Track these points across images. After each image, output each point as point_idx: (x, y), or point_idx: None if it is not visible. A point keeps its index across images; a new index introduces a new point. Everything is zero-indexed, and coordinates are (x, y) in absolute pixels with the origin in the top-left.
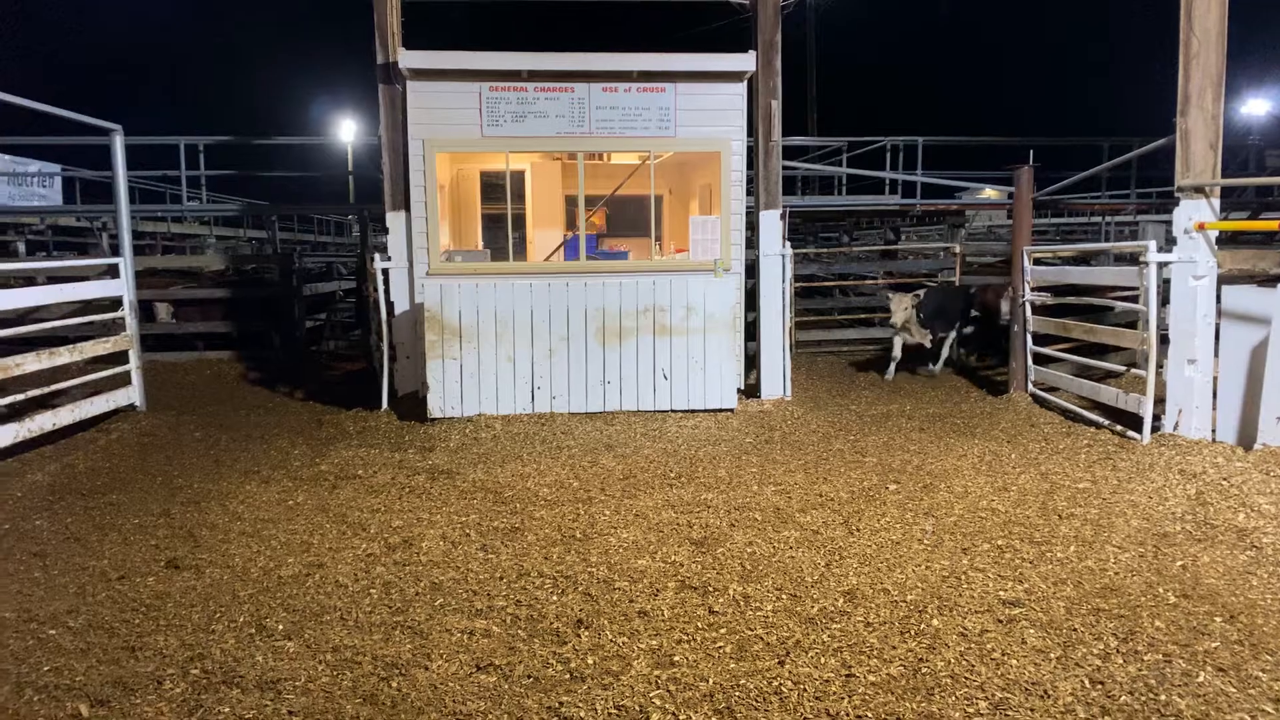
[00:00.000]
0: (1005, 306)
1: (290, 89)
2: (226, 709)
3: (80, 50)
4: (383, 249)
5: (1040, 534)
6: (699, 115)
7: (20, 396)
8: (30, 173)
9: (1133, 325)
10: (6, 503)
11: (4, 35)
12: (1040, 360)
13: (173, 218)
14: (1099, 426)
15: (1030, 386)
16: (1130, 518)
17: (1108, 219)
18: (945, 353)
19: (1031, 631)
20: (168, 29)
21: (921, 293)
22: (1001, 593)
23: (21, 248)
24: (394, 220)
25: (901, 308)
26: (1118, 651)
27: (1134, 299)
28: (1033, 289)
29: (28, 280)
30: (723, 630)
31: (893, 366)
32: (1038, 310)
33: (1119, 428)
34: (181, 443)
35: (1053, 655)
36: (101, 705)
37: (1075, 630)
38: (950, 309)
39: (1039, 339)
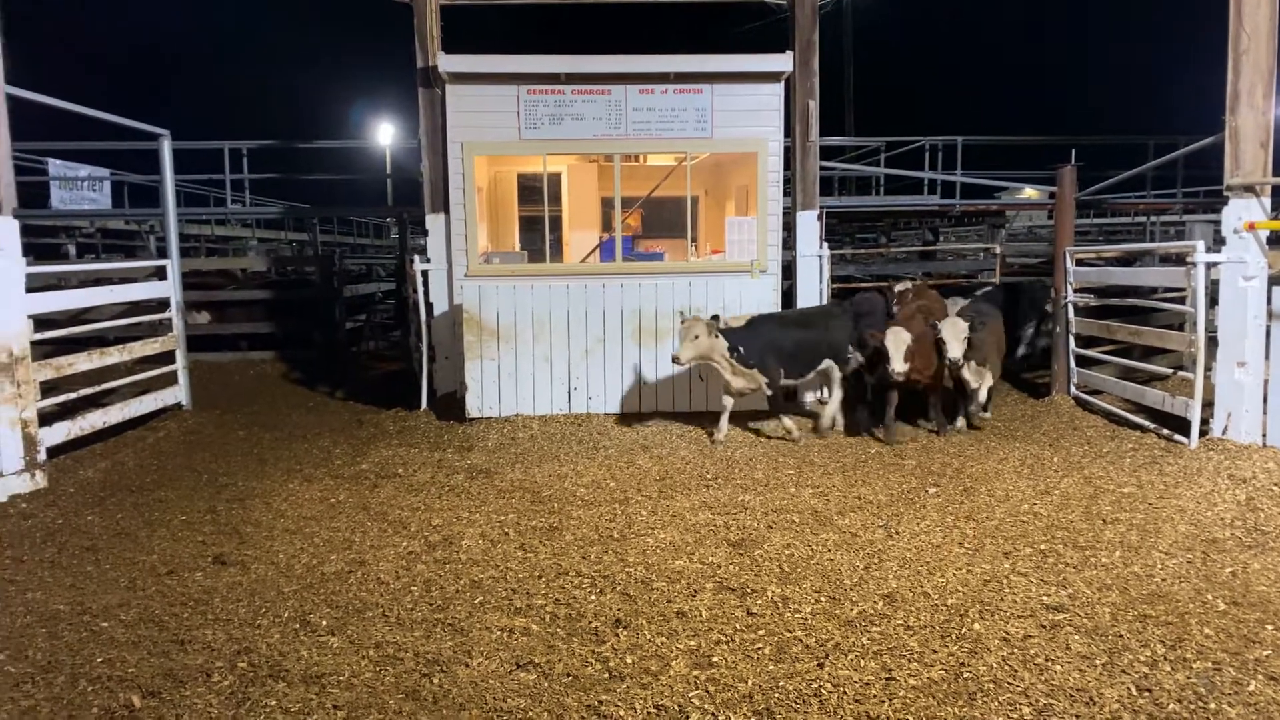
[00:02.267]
0: (895, 348)
1: (329, 93)
2: (273, 702)
3: (124, 54)
4: (422, 251)
5: (1084, 539)
6: (736, 116)
7: (72, 395)
8: (80, 177)
9: (1176, 327)
10: (60, 499)
11: (58, 41)
12: (1083, 362)
13: (216, 220)
14: (1144, 430)
15: (1073, 389)
16: (1178, 523)
17: (1153, 219)
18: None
19: (1076, 637)
20: (211, 33)
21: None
22: (1045, 597)
23: (72, 250)
24: (433, 222)
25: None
26: (1165, 659)
27: (1180, 300)
28: (1075, 290)
29: (86, 282)
30: (761, 631)
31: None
32: (1080, 312)
33: (1165, 431)
34: (226, 441)
35: (1098, 661)
36: (153, 696)
37: (1121, 636)
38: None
39: (1081, 341)
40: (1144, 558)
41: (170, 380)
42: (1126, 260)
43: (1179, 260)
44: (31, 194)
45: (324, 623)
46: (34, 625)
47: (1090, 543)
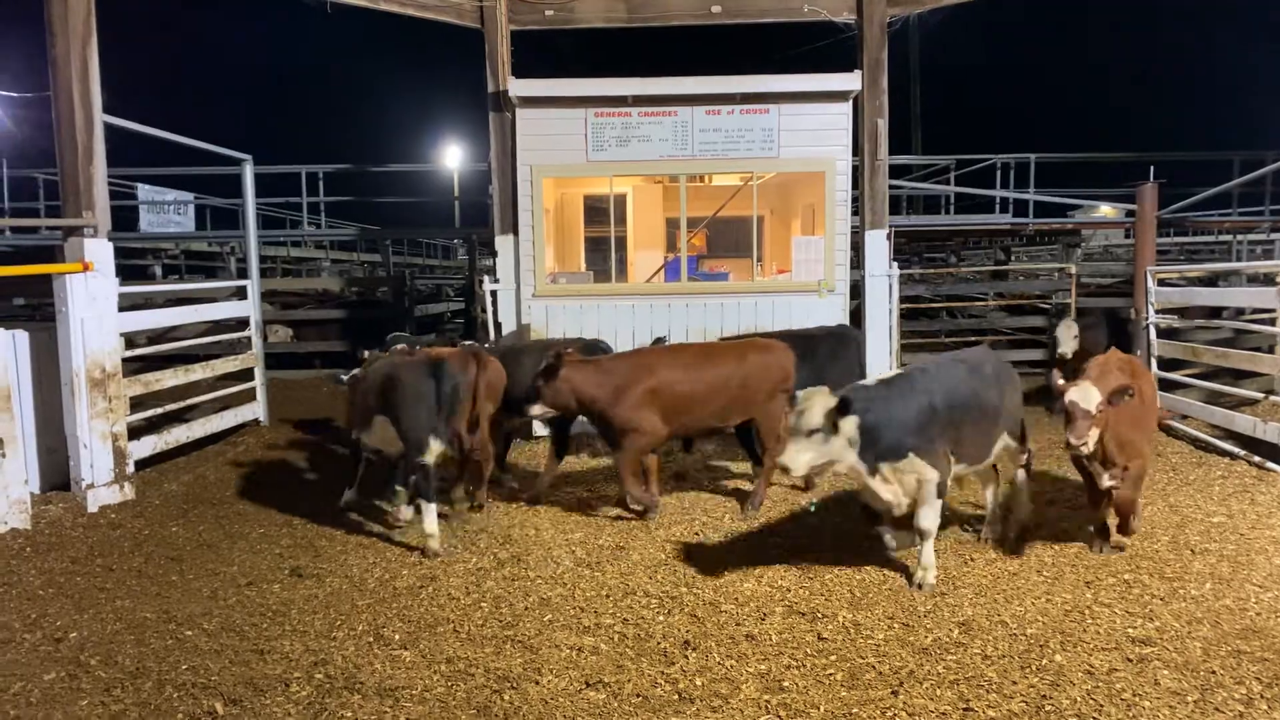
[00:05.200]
0: (591, 388)
1: (397, 117)
2: (348, 714)
3: (199, 79)
4: (490, 271)
5: (1171, 569)
6: (803, 135)
7: (158, 410)
8: (167, 201)
9: (1266, 349)
10: (146, 510)
11: (145, 69)
12: (1166, 386)
13: (292, 242)
14: (1234, 457)
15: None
16: (1272, 555)
17: (1239, 237)
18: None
19: (1165, 672)
20: (288, 60)
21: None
22: (1130, 630)
23: (158, 270)
24: (502, 244)
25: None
26: (1262, 697)
27: (1270, 322)
28: (1157, 311)
29: (171, 301)
30: (833, 657)
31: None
32: (1163, 334)
33: (1256, 459)
34: (302, 456)
35: (1190, 699)
36: (234, 704)
37: (1214, 673)
38: None
39: (1164, 364)
40: (1236, 590)
41: (249, 397)
42: (1210, 280)
43: (1268, 280)
44: (122, 217)
45: (397, 636)
46: (123, 632)
47: (1178, 574)
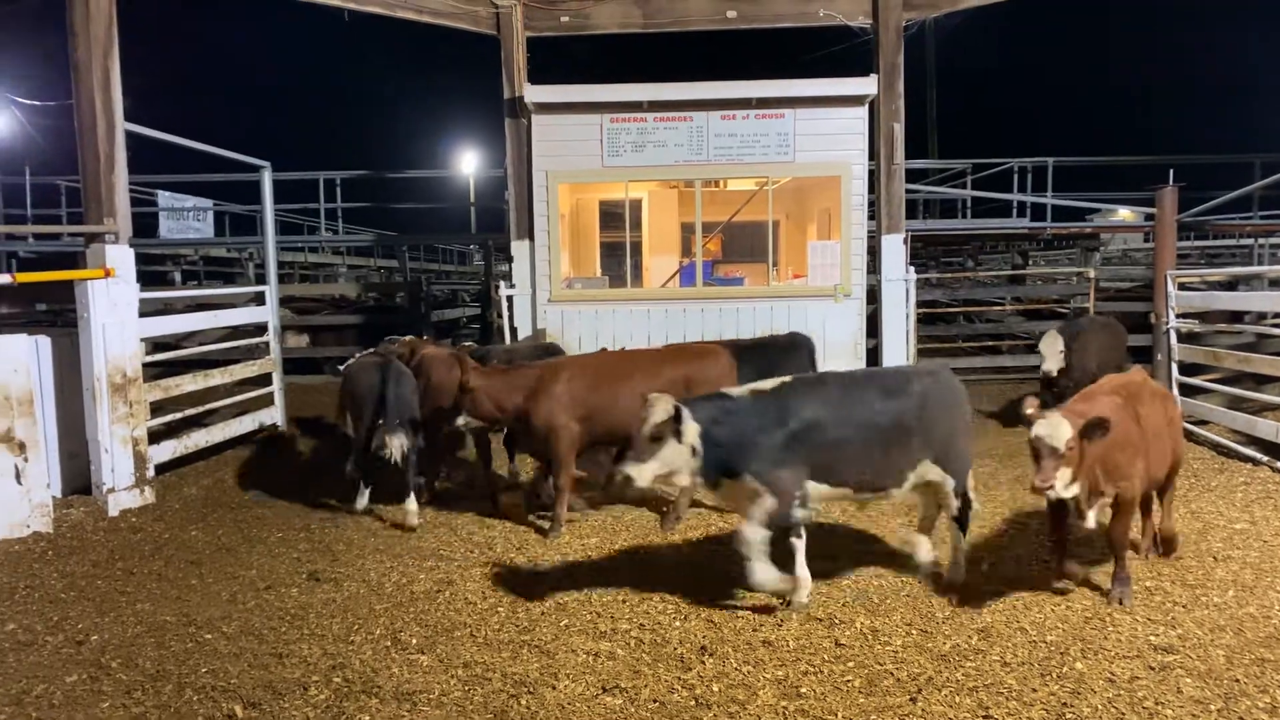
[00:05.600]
0: (506, 395)
1: (412, 123)
2: (366, 717)
3: (218, 86)
4: (506, 277)
5: (1193, 576)
6: (819, 140)
7: (178, 415)
8: (187, 208)
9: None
10: (166, 514)
11: (162, 77)
12: (1187, 391)
13: (309, 248)
14: (1256, 463)
15: None
16: None
17: (1260, 241)
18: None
19: (1188, 680)
20: (306, 67)
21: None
22: (1152, 637)
23: (177, 277)
24: (518, 249)
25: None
26: None
27: None
28: (1178, 315)
29: (191, 307)
30: (850, 663)
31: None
32: (1184, 338)
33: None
34: (319, 461)
35: (1213, 708)
36: (253, 708)
37: (1238, 681)
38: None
39: (1185, 369)
40: (1260, 598)
41: (267, 401)
42: (1232, 284)
43: None
44: (142, 224)
45: (414, 641)
46: (143, 635)
47: (1200, 581)
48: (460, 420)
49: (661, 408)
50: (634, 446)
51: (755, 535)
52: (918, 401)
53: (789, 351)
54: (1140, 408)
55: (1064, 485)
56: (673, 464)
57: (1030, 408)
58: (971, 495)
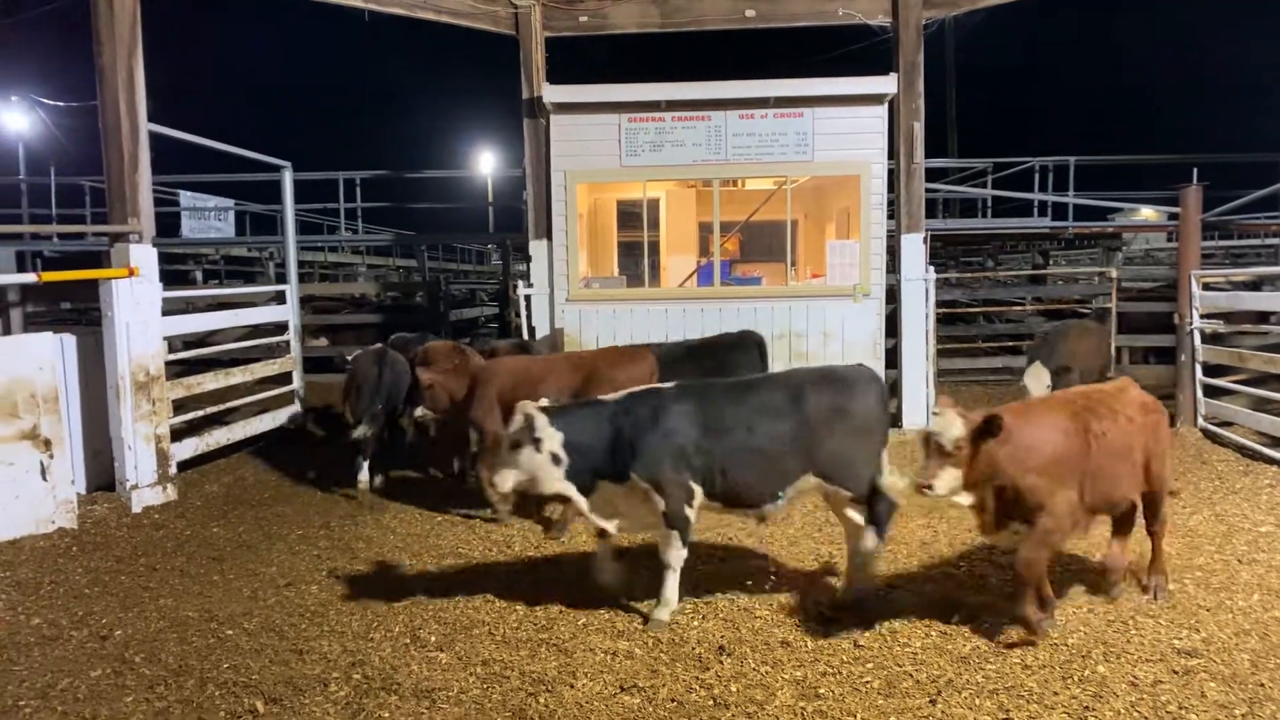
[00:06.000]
0: (449, 391)
1: (432, 124)
2: (386, 714)
3: (240, 87)
4: (524, 276)
5: (1218, 580)
6: (838, 139)
7: (199, 413)
8: (209, 208)
9: None
10: (188, 510)
11: (184, 77)
12: (1211, 393)
13: (329, 247)
14: None
15: (1200, 421)
16: None
17: None
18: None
19: (1212, 685)
20: (327, 68)
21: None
22: (1176, 641)
23: (199, 276)
24: (536, 249)
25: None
26: None
27: None
28: (1202, 316)
29: (212, 306)
30: (869, 665)
31: None
32: (1208, 339)
33: None
34: (338, 459)
35: (1237, 712)
36: (274, 703)
37: (1263, 686)
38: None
39: (1210, 370)
40: None
41: (287, 400)
42: (1256, 284)
43: None
44: (164, 223)
45: (433, 638)
46: (166, 630)
47: (1225, 584)
48: (418, 413)
49: (519, 416)
50: (495, 454)
51: (678, 557)
52: (806, 413)
53: (738, 350)
54: (1096, 423)
55: (946, 487)
56: (532, 470)
57: (939, 404)
58: (894, 495)
